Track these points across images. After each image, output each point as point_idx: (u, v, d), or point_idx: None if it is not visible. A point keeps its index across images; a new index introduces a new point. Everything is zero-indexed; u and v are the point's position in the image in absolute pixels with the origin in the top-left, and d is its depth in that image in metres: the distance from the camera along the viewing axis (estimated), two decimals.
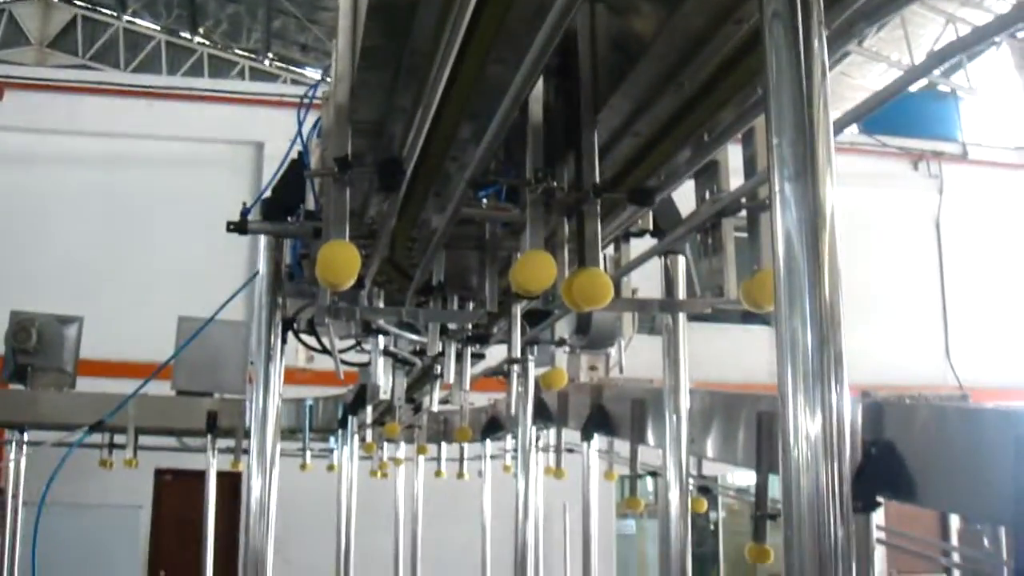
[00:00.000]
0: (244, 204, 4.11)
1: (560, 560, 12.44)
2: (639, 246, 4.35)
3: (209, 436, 11.15)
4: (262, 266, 4.29)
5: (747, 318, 11.19)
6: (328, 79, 3.85)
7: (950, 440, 3.04)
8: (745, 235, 3.39)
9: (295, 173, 4.16)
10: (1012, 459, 2.64)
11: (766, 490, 4.81)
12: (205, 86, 19.98)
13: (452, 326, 4.97)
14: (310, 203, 4.27)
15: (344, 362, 6.13)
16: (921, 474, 3.06)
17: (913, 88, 2.73)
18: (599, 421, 7.68)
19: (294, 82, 26.15)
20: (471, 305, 5.01)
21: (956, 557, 11.55)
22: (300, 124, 4.00)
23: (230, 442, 11.53)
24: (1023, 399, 17.77)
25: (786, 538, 1.61)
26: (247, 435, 12.14)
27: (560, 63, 2.99)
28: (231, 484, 13.69)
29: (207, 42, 25.98)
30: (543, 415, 8.42)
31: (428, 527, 12.25)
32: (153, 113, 17.66)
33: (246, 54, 26.38)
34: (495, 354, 6.28)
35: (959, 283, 19.81)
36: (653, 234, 4.07)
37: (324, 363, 6.26)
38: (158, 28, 25.43)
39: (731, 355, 15.25)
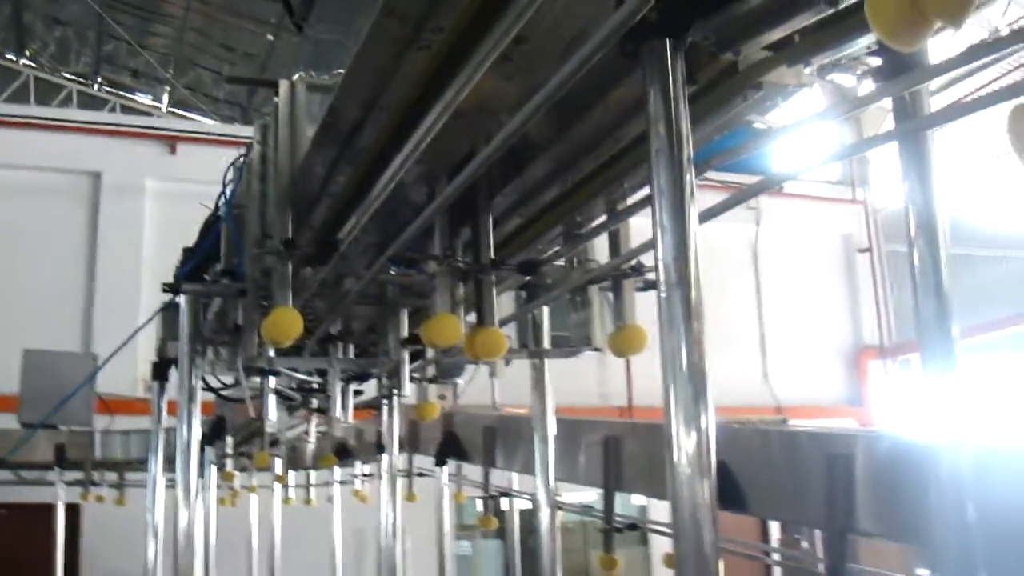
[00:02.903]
0: (177, 266, 4.56)
1: None
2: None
3: (57, 469, 11.17)
4: (183, 318, 4.72)
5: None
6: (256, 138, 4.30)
7: (773, 458, 3.57)
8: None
9: (214, 235, 4.64)
10: (824, 473, 3.18)
11: (612, 506, 5.44)
12: (40, 114, 19.56)
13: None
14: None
15: (221, 397, 6.54)
16: (750, 489, 3.55)
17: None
18: (451, 447, 8.17)
19: (124, 108, 25.71)
20: (351, 348, 5.60)
21: (777, 557, 13.15)
22: (225, 191, 4.46)
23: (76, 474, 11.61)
24: (831, 416, 19.15)
25: (676, 545, 2.02)
26: (95, 467, 12.16)
27: None
28: (71, 517, 13.62)
29: (33, 64, 25.37)
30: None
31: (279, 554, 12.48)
32: None
33: (75, 78, 25.85)
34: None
35: (775, 308, 21.06)
36: (521, 289, 4.71)
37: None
38: None
39: (565, 379, 15.91)
